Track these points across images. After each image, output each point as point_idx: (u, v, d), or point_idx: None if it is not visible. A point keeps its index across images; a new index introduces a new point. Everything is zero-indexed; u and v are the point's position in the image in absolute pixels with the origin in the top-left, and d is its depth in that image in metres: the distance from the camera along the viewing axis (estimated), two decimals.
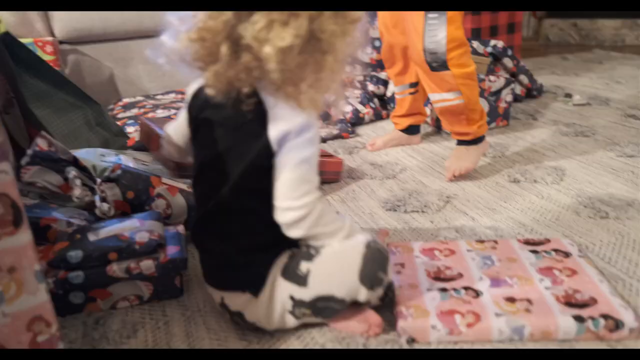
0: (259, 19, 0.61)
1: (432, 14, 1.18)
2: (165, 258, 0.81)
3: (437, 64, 1.22)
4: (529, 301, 0.73)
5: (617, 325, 0.69)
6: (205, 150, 0.72)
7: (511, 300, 0.74)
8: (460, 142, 1.33)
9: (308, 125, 0.67)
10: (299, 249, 0.73)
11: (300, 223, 0.68)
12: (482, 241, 0.92)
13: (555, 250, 0.87)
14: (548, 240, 0.91)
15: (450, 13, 1.18)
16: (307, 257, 0.71)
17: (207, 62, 0.66)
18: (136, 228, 0.83)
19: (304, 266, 0.70)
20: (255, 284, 0.70)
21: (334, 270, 0.69)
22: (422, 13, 1.19)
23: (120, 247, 0.79)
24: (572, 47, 3.17)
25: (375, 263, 0.69)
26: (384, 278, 0.70)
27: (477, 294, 0.76)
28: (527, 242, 0.91)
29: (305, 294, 0.69)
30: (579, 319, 0.70)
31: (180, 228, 0.90)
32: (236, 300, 0.72)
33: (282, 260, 0.72)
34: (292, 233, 0.69)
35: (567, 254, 0.86)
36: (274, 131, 0.67)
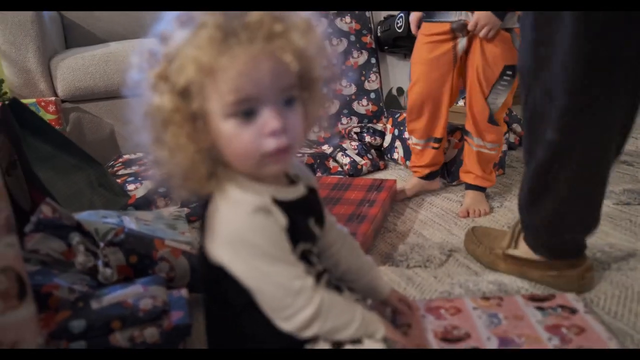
0: None
1: (503, 82, 1.35)
2: (170, 325, 0.80)
3: (492, 120, 1.39)
4: None
5: None
6: None
7: None
8: (474, 187, 1.45)
9: (228, 249, 0.58)
10: None
11: (314, 322, 0.60)
12: (487, 298, 0.92)
13: (561, 307, 0.87)
14: (553, 296, 0.91)
15: (515, 84, 1.34)
16: None
17: None
18: (140, 294, 0.82)
19: None
20: None
21: None
22: (495, 77, 1.35)
23: (124, 315, 0.78)
24: None
25: None
26: None
27: None
28: (532, 299, 0.90)
29: None
30: None
31: (184, 292, 0.89)
32: None
33: None
34: (307, 334, 0.61)
35: (573, 310, 0.86)
36: (208, 243, 0.60)
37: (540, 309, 0.87)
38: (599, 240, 1.19)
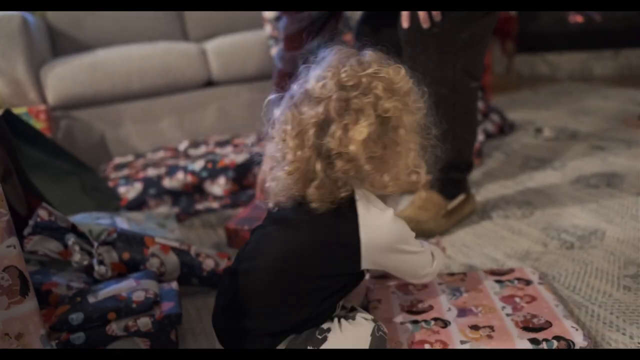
0: (335, 129, 0.69)
1: None
2: (161, 314, 0.87)
3: None
4: (491, 328, 0.81)
5: (569, 345, 0.76)
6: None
7: (475, 327, 0.81)
8: None
9: (397, 240, 0.75)
10: (301, 334, 0.73)
11: (435, 273, 0.85)
12: (452, 274, 1.00)
13: (518, 279, 0.95)
14: (512, 270, 0.99)
15: None
16: (314, 341, 0.72)
17: (307, 182, 0.72)
18: (133, 288, 0.89)
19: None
20: None
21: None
22: None
23: (119, 307, 0.85)
24: (543, 81, 3.32)
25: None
26: None
27: (445, 324, 0.83)
28: (493, 273, 0.98)
29: None
30: (534, 341, 0.76)
31: (174, 284, 0.96)
32: None
33: (283, 344, 0.73)
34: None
35: (528, 282, 0.94)
36: (365, 238, 0.72)
37: (499, 281, 0.95)
38: (565, 222, 1.27)
